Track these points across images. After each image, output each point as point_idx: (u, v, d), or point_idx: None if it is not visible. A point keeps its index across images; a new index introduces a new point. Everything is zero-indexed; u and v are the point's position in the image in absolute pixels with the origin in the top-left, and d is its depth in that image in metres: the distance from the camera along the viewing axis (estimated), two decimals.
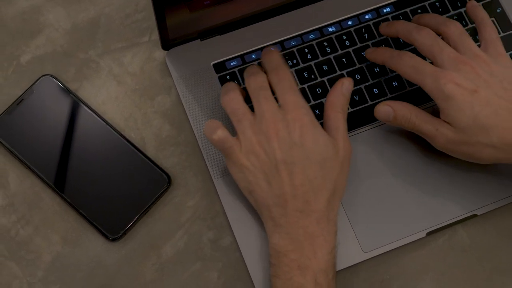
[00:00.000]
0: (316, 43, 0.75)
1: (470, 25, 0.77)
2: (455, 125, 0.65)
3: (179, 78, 0.74)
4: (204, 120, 0.73)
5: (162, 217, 0.71)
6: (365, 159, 0.72)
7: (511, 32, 0.77)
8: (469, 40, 0.67)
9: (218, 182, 0.71)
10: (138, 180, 0.71)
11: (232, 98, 0.67)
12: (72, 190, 0.71)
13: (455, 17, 0.77)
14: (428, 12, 0.77)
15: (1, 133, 0.72)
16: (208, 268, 0.70)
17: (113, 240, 0.70)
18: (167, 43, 0.74)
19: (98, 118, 0.73)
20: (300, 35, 0.76)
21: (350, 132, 0.72)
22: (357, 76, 0.74)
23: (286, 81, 0.67)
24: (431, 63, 0.67)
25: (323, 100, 0.74)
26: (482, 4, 0.77)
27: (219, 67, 0.75)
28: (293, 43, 0.75)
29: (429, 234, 0.70)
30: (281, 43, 0.75)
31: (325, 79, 0.74)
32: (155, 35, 0.77)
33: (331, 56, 0.75)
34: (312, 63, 0.75)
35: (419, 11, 0.77)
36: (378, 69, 0.75)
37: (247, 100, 0.68)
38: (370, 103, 0.74)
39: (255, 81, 0.67)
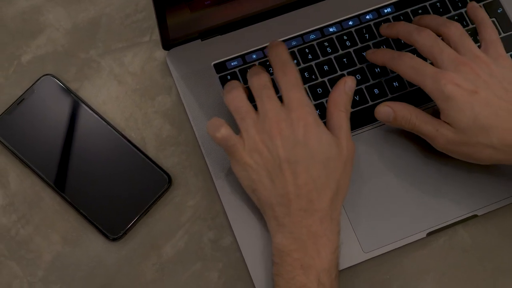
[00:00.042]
0: (317, 43, 0.75)
1: (470, 26, 0.77)
2: (455, 126, 0.65)
3: (179, 78, 0.74)
4: (205, 119, 0.73)
5: (163, 217, 0.71)
6: (365, 159, 0.72)
7: (511, 32, 0.77)
8: (469, 41, 0.67)
9: (218, 182, 0.71)
10: (139, 180, 0.71)
11: (236, 96, 0.67)
12: (72, 190, 0.71)
13: (456, 17, 0.77)
14: (429, 12, 0.77)
15: (2, 133, 0.72)
16: (209, 268, 0.70)
17: (114, 240, 0.70)
18: (168, 43, 0.74)
19: (99, 118, 0.73)
20: (301, 35, 0.76)
21: (351, 132, 0.72)
22: (358, 77, 0.74)
23: (291, 77, 0.67)
24: (432, 64, 0.67)
25: (323, 100, 0.74)
26: (483, 5, 0.77)
27: (220, 67, 0.75)
28: (294, 43, 0.75)
29: (429, 234, 0.70)
30: None
31: (325, 79, 0.74)
32: (156, 35, 0.77)
33: (332, 56, 0.75)
34: (313, 63, 0.75)
35: (420, 11, 0.77)
36: (378, 69, 0.75)
37: (251, 99, 0.68)
38: (370, 103, 0.74)
39: (258, 80, 0.67)
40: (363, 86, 0.74)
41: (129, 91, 0.75)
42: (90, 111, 0.73)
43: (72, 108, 0.73)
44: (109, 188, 0.71)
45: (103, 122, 0.73)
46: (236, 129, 0.67)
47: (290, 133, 0.64)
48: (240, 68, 0.74)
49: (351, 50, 0.75)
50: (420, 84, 0.67)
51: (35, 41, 0.77)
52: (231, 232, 0.71)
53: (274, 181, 0.64)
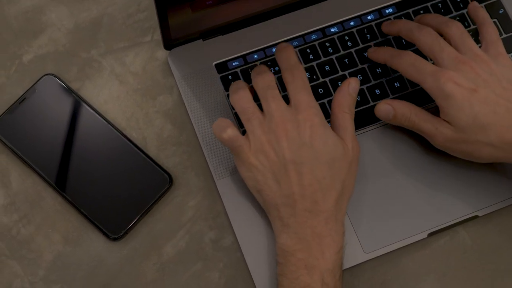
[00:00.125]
0: (318, 44, 0.75)
1: (472, 26, 0.77)
2: (455, 124, 0.65)
3: (181, 78, 0.74)
4: (206, 119, 0.73)
5: (164, 217, 0.71)
6: (366, 160, 0.72)
7: None
8: (470, 40, 0.68)
9: (219, 182, 0.71)
10: (140, 180, 0.71)
11: (242, 96, 0.67)
12: (73, 190, 0.71)
13: (457, 18, 0.77)
14: (430, 13, 0.77)
15: (3, 132, 0.72)
16: (209, 268, 0.70)
17: (115, 239, 0.70)
18: (169, 43, 0.74)
19: (100, 118, 0.73)
20: (302, 36, 0.76)
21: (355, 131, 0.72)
22: (359, 77, 0.74)
23: (300, 81, 0.67)
24: (432, 63, 0.67)
25: (324, 100, 0.74)
26: (485, 6, 0.77)
27: (221, 67, 0.75)
28: (295, 43, 0.75)
29: (430, 235, 0.70)
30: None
31: (327, 79, 0.74)
32: (157, 35, 0.77)
33: (333, 57, 0.75)
34: (314, 63, 0.75)
35: (421, 11, 0.77)
36: (380, 69, 0.75)
37: (256, 98, 0.68)
38: (372, 103, 0.74)
39: (262, 80, 0.67)
40: (364, 87, 0.74)
41: (131, 91, 0.75)
42: (91, 110, 0.73)
43: (73, 107, 0.73)
44: (110, 188, 0.71)
45: (104, 121, 0.73)
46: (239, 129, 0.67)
47: (296, 135, 0.64)
48: (241, 68, 0.74)
49: (352, 50, 0.75)
50: (420, 82, 0.67)
51: (37, 41, 0.77)
52: (232, 232, 0.71)
53: (280, 182, 0.64)
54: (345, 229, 0.67)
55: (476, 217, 0.71)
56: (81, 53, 0.76)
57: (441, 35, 0.69)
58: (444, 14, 0.77)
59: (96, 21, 0.78)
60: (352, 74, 0.74)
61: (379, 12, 0.77)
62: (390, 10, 0.77)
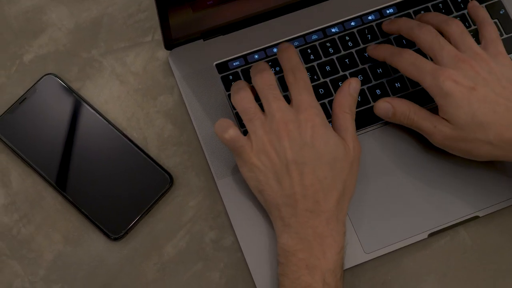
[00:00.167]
0: (319, 44, 0.75)
1: (473, 27, 0.77)
2: (453, 122, 0.66)
3: (181, 78, 0.74)
4: (207, 119, 0.73)
5: (164, 217, 0.71)
6: (367, 160, 0.72)
7: None
8: (469, 39, 0.68)
9: (220, 182, 0.71)
10: (140, 180, 0.71)
11: (243, 97, 0.67)
12: (74, 189, 0.71)
13: (458, 18, 0.77)
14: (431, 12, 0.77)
15: (4, 132, 0.72)
16: (210, 268, 0.70)
17: (115, 239, 0.70)
18: (170, 43, 0.74)
19: (101, 118, 0.73)
20: (303, 36, 0.76)
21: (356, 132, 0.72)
22: (360, 77, 0.74)
23: (301, 81, 0.67)
24: (432, 60, 0.68)
25: (325, 100, 0.74)
26: (486, 6, 0.77)
27: (222, 67, 0.75)
28: (296, 43, 0.75)
29: (431, 235, 0.70)
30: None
31: (327, 79, 0.74)
32: (158, 35, 0.77)
33: (334, 57, 0.75)
34: (315, 63, 0.75)
35: (422, 12, 0.77)
36: (380, 70, 0.75)
37: (256, 98, 0.68)
38: (372, 104, 0.74)
39: (263, 80, 0.67)
40: (365, 87, 0.74)
41: (131, 90, 0.75)
42: (92, 110, 0.73)
43: (74, 107, 0.73)
44: (110, 188, 0.71)
45: (105, 121, 0.73)
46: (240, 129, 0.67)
47: (297, 135, 0.65)
48: (242, 68, 0.74)
49: (353, 50, 0.75)
50: (419, 80, 0.67)
51: (37, 41, 0.77)
52: (233, 232, 0.71)
53: (281, 182, 0.64)
54: (346, 229, 0.67)
55: (476, 217, 0.71)
56: (82, 53, 0.76)
57: (442, 33, 0.69)
58: (445, 14, 0.76)
59: (96, 21, 0.78)
60: (352, 74, 0.74)
61: (380, 12, 0.77)
62: (391, 10, 0.77)
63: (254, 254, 0.69)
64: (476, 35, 0.74)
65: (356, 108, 0.73)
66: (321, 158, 0.64)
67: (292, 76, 0.68)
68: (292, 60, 0.69)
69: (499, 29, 0.76)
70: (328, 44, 0.75)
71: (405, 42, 0.76)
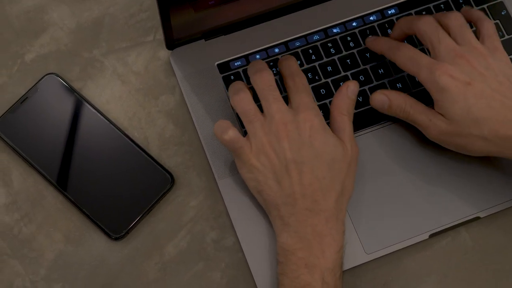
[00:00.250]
0: (321, 44, 0.75)
1: (473, 29, 0.77)
2: (449, 117, 0.66)
3: (183, 78, 0.74)
4: (208, 119, 0.73)
5: (165, 217, 0.71)
6: (368, 160, 0.72)
7: None
8: (468, 32, 0.68)
9: (221, 182, 0.71)
10: (141, 180, 0.71)
11: (243, 98, 0.67)
12: (75, 189, 0.71)
13: None
14: (433, 13, 0.77)
15: (5, 131, 0.72)
16: (211, 268, 0.70)
17: (116, 239, 0.70)
18: (172, 43, 0.74)
19: (102, 117, 0.73)
20: (305, 36, 0.76)
21: (354, 133, 0.72)
22: (361, 78, 0.74)
23: (301, 85, 0.68)
24: (430, 52, 0.68)
25: (327, 101, 0.74)
26: (487, 7, 0.77)
27: (223, 67, 0.75)
28: (297, 43, 0.75)
29: (432, 236, 0.70)
30: (285, 43, 0.75)
31: (329, 80, 0.74)
32: (160, 35, 0.77)
33: (336, 57, 0.75)
34: (316, 64, 0.75)
35: (423, 12, 0.77)
36: (382, 70, 0.75)
37: (255, 98, 0.68)
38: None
39: (262, 80, 0.68)
40: (366, 87, 0.74)
41: (133, 90, 0.75)
42: (93, 110, 0.73)
43: (75, 107, 0.73)
44: (111, 188, 0.71)
45: (106, 121, 0.73)
46: (240, 129, 0.67)
47: (296, 135, 0.65)
48: (243, 68, 0.74)
49: (354, 51, 0.75)
50: (415, 75, 0.68)
51: (38, 40, 0.77)
52: (234, 232, 0.71)
53: (280, 183, 0.64)
54: (347, 229, 0.68)
55: (478, 218, 0.71)
56: (83, 53, 0.76)
57: (442, 26, 0.69)
58: None
59: (98, 21, 0.78)
60: (354, 75, 0.74)
61: (382, 13, 0.77)
62: (393, 11, 0.77)
63: (255, 254, 0.69)
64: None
65: (358, 108, 0.73)
66: (319, 158, 0.65)
67: (291, 80, 0.69)
68: (292, 67, 0.70)
69: (500, 30, 0.76)
70: (329, 45, 0.75)
71: (405, 42, 0.76)
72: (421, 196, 0.71)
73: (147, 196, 0.71)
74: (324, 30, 0.76)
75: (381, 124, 0.73)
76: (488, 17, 0.76)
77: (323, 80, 0.74)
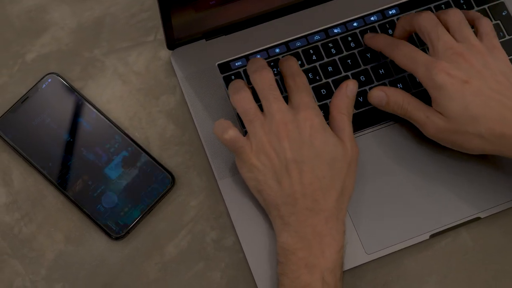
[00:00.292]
0: (321, 44, 0.75)
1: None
2: (446, 115, 0.66)
3: (184, 78, 0.74)
4: (209, 119, 0.73)
5: (166, 217, 0.71)
6: (369, 160, 0.72)
7: None
8: (467, 29, 0.68)
9: (222, 182, 0.71)
10: (142, 179, 0.71)
11: (243, 97, 0.67)
12: (75, 189, 0.71)
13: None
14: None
15: (6, 131, 0.72)
16: (211, 268, 0.70)
17: (117, 239, 0.70)
18: (172, 43, 0.74)
19: (103, 117, 0.73)
20: (306, 36, 0.76)
21: (354, 133, 0.72)
22: (362, 78, 0.74)
23: (301, 84, 0.68)
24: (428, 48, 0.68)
25: (327, 101, 0.74)
26: (488, 7, 0.77)
27: (224, 67, 0.75)
28: (298, 44, 0.75)
29: (432, 236, 0.70)
30: (286, 43, 0.75)
31: (330, 80, 0.74)
32: (160, 35, 0.77)
33: (336, 58, 0.75)
34: (317, 64, 0.75)
35: None
36: (383, 70, 0.75)
37: (255, 96, 0.68)
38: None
39: (262, 79, 0.68)
40: (367, 88, 0.74)
41: (133, 90, 0.75)
42: (94, 110, 0.73)
43: (76, 107, 0.73)
44: (112, 187, 0.71)
45: (107, 121, 0.73)
46: (240, 128, 0.67)
47: (297, 134, 0.65)
48: (244, 68, 0.74)
49: (355, 51, 0.75)
50: (413, 72, 0.68)
51: (39, 40, 0.77)
52: (234, 232, 0.71)
53: (281, 182, 0.64)
54: (347, 230, 0.68)
55: (478, 218, 0.71)
56: (84, 53, 0.76)
57: (441, 22, 0.69)
58: None
59: (99, 21, 0.78)
60: (355, 75, 0.74)
61: (383, 13, 0.77)
62: (393, 11, 0.77)
63: (255, 254, 0.69)
64: None
65: (358, 109, 0.73)
66: (319, 157, 0.65)
67: (292, 80, 0.69)
68: (292, 67, 0.70)
69: (501, 31, 0.76)
70: (330, 45, 0.75)
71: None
72: (421, 196, 0.71)
73: (148, 196, 0.71)
74: (325, 30, 0.76)
75: (382, 124, 0.73)
76: (489, 17, 0.76)
77: (324, 80, 0.74)
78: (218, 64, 0.75)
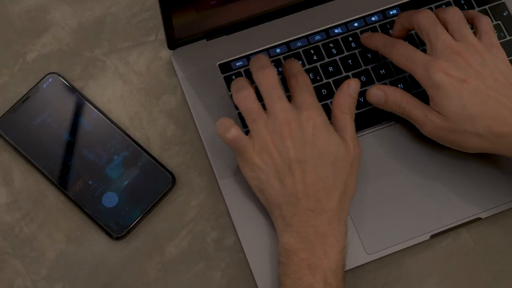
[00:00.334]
0: (322, 45, 0.75)
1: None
2: (444, 113, 0.66)
3: (184, 78, 0.74)
4: (210, 119, 0.73)
5: (166, 217, 0.71)
6: (370, 161, 0.72)
7: None
8: (466, 28, 0.68)
9: (222, 182, 0.71)
10: (143, 179, 0.71)
11: (246, 96, 0.67)
12: (76, 188, 0.71)
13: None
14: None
15: (7, 131, 0.72)
16: (212, 268, 0.70)
17: (117, 239, 0.70)
18: (173, 43, 0.74)
19: (103, 117, 0.73)
20: (306, 36, 0.76)
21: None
22: (363, 78, 0.74)
23: (304, 84, 0.68)
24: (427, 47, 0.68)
25: (328, 101, 0.74)
26: (489, 8, 0.77)
27: (225, 67, 0.75)
28: (299, 44, 0.75)
29: (433, 236, 0.70)
30: (287, 44, 0.75)
31: (330, 80, 0.74)
32: (161, 35, 0.77)
33: (337, 58, 0.75)
34: (317, 64, 0.75)
35: None
36: (383, 71, 0.75)
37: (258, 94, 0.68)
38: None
39: (266, 78, 0.67)
40: (367, 88, 0.74)
41: (134, 90, 0.75)
42: (95, 109, 0.73)
43: (76, 106, 0.73)
44: (113, 187, 0.71)
45: (108, 121, 0.73)
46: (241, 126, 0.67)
47: (300, 134, 0.65)
48: (245, 68, 0.74)
49: (356, 51, 0.75)
50: (411, 71, 0.68)
51: (40, 39, 0.77)
52: (234, 232, 0.71)
53: (283, 182, 0.64)
54: (348, 230, 0.67)
55: (479, 219, 0.71)
56: (85, 52, 0.76)
57: (440, 20, 0.69)
58: None
59: (99, 21, 0.78)
60: (355, 75, 0.74)
61: (383, 13, 0.77)
62: (394, 11, 0.77)
63: (255, 254, 0.69)
64: None
65: (359, 109, 0.73)
66: (322, 157, 0.64)
67: (294, 80, 0.69)
68: (295, 67, 0.70)
69: (502, 31, 0.76)
70: (331, 45, 0.75)
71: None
72: (422, 196, 0.71)
73: (148, 196, 0.71)
74: (326, 30, 0.76)
75: (383, 124, 0.73)
76: (490, 18, 0.76)
77: (325, 81, 0.74)
78: (219, 64, 0.75)
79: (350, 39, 0.76)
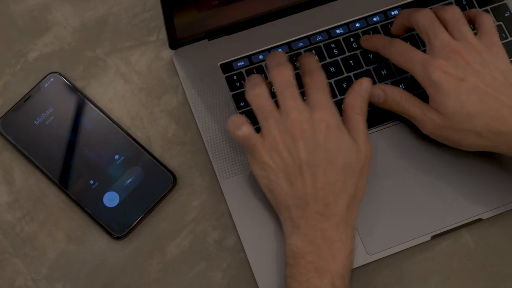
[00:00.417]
0: (324, 45, 0.75)
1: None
2: (442, 112, 0.66)
3: (186, 78, 0.74)
4: (211, 119, 0.73)
5: (167, 216, 0.71)
6: (372, 160, 0.71)
7: None
8: (465, 27, 0.68)
9: (223, 182, 0.71)
10: (144, 179, 0.71)
11: (259, 93, 0.66)
12: (77, 188, 0.71)
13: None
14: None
15: (8, 130, 0.72)
16: (212, 268, 0.70)
17: (118, 238, 0.70)
18: (175, 43, 0.74)
19: (105, 117, 0.73)
20: (308, 37, 0.76)
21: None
22: None
23: (318, 83, 0.67)
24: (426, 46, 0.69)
25: None
26: (490, 8, 0.77)
27: (226, 67, 0.75)
28: (300, 44, 0.75)
29: (434, 237, 0.70)
30: (288, 44, 0.75)
31: (332, 80, 0.74)
32: (163, 34, 0.77)
33: (339, 58, 0.75)
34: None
35: None
36: (385, 71, 0.75)
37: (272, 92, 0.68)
38: (376, 105, 0.74)
39: (281, 75, 0.66)
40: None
41: (136, 90, 0.75)
42: (96, 109, 0.73)
43: (78, 106, 0.73)
44: (114, 187, 0.71)
45: (109, 120, 0.73)
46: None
47: (311, 135, 0.64)
48: (246, 68, 0.74)
49: (357, 52, 0.75)
50: (409, 70, 0.68)
51: (42, 39, 0.77)
52: (236, 233, 0.71)
53: (292, 183, 0.64)
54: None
55: (479, 220, 0.71)
56: (87, 52, 0.76)
57: (439, 19, 0.69)
58: None
59: (101, 20, 0.78)
60: (357, 76, 0.74)
61: (385, 13, 0.77)
62: (396, 12, 0.77)
63: (256, 254, 0.69)
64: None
65: None
66: (333, 161, 0.64)
67: (309, 77, 0.68)
68: (311, 64, 0.69)
69: (504, 32, 0.76)
70: (332, 45, 0.75)
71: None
72: (422, 198, 0.71)
73: (149, 196, 0.71)
74: (327, 30, 0.76)
75: (386, 124, 0.73)
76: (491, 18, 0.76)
77: (326, 81, 0.74)
78: (221, 64, 0.75)
79: (352, 39, 0.76)
